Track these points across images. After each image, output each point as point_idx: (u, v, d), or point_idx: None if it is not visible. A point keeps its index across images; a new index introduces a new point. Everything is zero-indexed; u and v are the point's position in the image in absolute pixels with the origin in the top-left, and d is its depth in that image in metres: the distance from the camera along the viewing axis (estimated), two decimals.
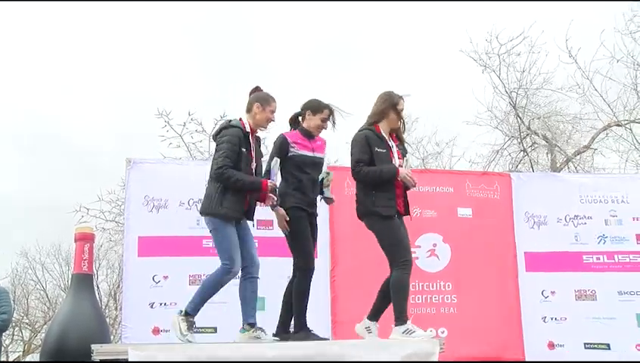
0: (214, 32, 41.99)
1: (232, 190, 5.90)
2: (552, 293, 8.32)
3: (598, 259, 8.50)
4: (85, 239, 8.45)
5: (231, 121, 6.16)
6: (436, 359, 5.33)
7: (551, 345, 8.15)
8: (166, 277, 7.81)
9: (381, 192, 5.98)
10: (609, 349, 8.12)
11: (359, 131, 6.21)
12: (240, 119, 6.13)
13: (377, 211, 5.94)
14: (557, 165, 16.40)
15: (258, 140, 6.40)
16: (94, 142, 39.26)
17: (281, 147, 6.12)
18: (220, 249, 5.97)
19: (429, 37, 36.52)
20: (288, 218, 6.03)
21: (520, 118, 16.85)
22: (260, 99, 6.17)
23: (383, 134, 6.14)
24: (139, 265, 7.85)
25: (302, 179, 6.17)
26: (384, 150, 6.07)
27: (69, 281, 9.24)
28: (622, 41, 15.87)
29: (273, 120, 6.24)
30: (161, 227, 7.92)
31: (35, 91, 42.17)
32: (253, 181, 6.02)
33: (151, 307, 7.73)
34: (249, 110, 6.17)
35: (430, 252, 8.22)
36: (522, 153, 17.14)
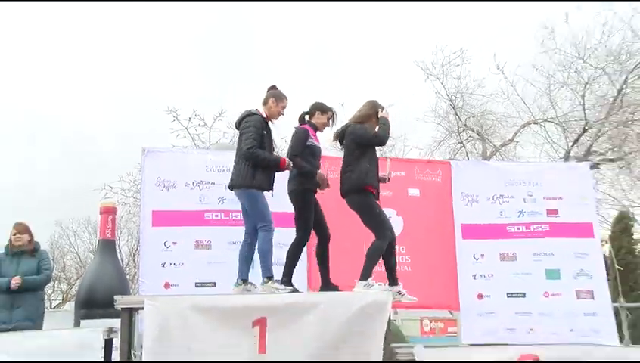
0: (215, 36, 41.20)
1: (259, 166, 6.03)
2: (482, 256, 8.51)
3: (518, 228, 8.67)
4: (108, 211, 8.59)
5: (252, 110, 6.29)
6: (389, 307, 5.49)
7: (480, 296, 8.34)
8: (174, 243, 7.82)
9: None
10: (524, 297, 8.37)
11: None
12: (257, 110, 6.29)
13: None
14: (487, 155, 16.54)
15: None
16: (113, 135, 38.83)
17: (305, 137, 6.28)
18: (260, 216, 6.13)
19: (385, 48, 36.51)
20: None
21: (458, 116, 17.10)
22: (275, 95, 6.38)
23: None
24: (153, 233, 7.87)
25: (315, 166, 6.37)
26: None
27: (97, 245, 9.27)
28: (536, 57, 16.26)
29: (282, 114, 6.43)
30: (170, 203, 7.94)
31: (68, 98, 41.32)
32: (276, 158, 6.20)
33: (163, 266, 7.74)
34: (265, 103, 6.37)
35: None
36: (459, 144, 17.37)
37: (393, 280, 6.18)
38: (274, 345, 5.20)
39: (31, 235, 7.44)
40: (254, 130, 6.10)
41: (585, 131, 16.33)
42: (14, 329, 6.64)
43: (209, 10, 41.92)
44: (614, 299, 9.26)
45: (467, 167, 9.63)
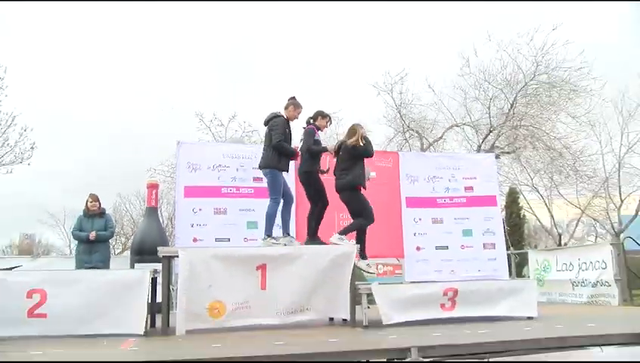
0: (227, 50, 40.46)
1: (283, 154, 6.03)
2: (420, 219, 8.50)
3: (444, 200, 8.65)
4: (153, 186, 8.47)
5: (277, 113, 6.22)
6: (354, 257, 5.45)
7: (418, 248, 8.35)
8: (200, 210, 7.74)
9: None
10: (447, 249, 8.44)
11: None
12: (280, 112, 6.23)
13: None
14: (424, 148, 16.69)
15: None
16: (155, 132, 38.51)
17: (313, 134, 6.30)
18: (274, 190, 6.09)
19: (345, 70, 36.40)
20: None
21: (403, 120, 17.24)
22: (295, 104, 6.29)
23: None
24: (184, 203, 7.77)
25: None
26: None
27: (145, 211, 9.14)
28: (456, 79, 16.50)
29: (297, 118, 6.34)
30: (197, 180, 7.84)
31: (128, 101, 40.67)
32: (293, 150, 6.22)
33: (192, 226, 7.66)
34: (286, 108, 6.26)
35: None
36: (404, 140, 17.43)
37: (363, 256, 6.08)
38: (271, 283, 5.15)
39: (100, 202, 7.41)
40: (280, 128, 6.07)
41: (490, 132, 16.65)
42: (93, 267, 6.83)
43: (224, 30, 40.85)
44: (507, 248, 9.39)
45: (410, 157, 9.63)
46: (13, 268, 6.43)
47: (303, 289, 5.22)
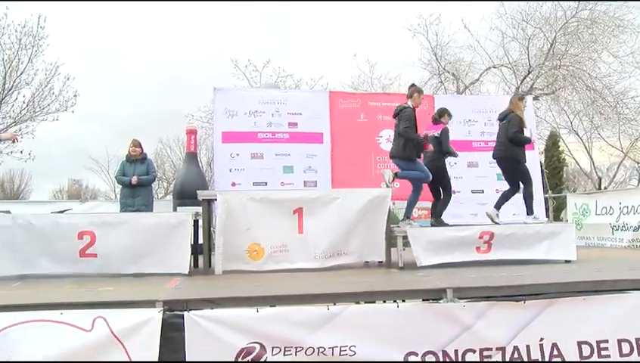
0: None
1: (412, 141, 6.03)
2: (455, 163, 8.05)
3: (480, 144, 8.45)
4: (192, 132, 8.51)
5: (406, 105, 6.16)
6: (389, 199, 5.41)
7: (453, 192, 7.92)
8: (237, 155, 7.80)
9: None
10: (483, 192, 8.28)
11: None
12: (407, 103, 6.18)
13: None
14: (460, 91, 16.27)
15: None
16: (196, 77, 38.63)
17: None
18: (415, 179, 6.18)
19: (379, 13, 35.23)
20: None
21: (439, 62, 16.73)
22: (418, 90, 6.30)
23: None
24: (222, 148, 7.83)
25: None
26: None
27: (184, 156, 9.28)
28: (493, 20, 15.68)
29: (420, 104, 6.35)
30: (234, 126, 7.85)
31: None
32: (421, 139, 6.17)
33: (230, 171, 7.76)
34: (411, 96, 6.21)
35: (387, 139, 8.11)
36: (440, 83, 17.01)
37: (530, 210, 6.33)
38: (308, 227, 5.16)
39: (142, 148, 7.54)
40: (408, 118, 6.03)
41: (528, 73, 16.07)
42: (137, 210, 7.01)
43: None
44: (545, 192, 9.16)
45: (446, 99, 9.32)
46: (65, 211, 6.68)
47: (339, 232, 5.21)
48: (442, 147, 6.38)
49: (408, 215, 6.17)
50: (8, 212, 5.98)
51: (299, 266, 5.08)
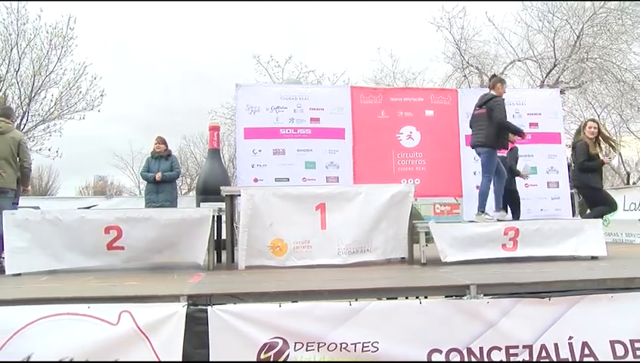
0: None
1: (508, 131, 6.18)
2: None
3: None
4: (214, 129, 8.54)
5: (493, 93, 6.23)
6: (412, 195, 5.34)
7: (478, 187, 7.95)
8: (260, 151, 7.81)
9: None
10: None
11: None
12: (492, 93, 6.24)
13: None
14: (484, 85, 15.99)
15: None
16: (216, 73, 38.86)
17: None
18: (488, 168, 6.19)
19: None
20: None
21: (462, 56, 16.50)
22: (501, 80, 6.37)
23: None
24: (245, 144, 7.85)
25: None
26: None
27: (207, 153, 9.36)
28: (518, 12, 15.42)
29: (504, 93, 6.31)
30: (256, 122, 7.85)
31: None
32: (517, 128, 6.32)
33: (252, 167, 7.77)
34: (493, 87, 6.27)
35: (408, 136, 8.06)
36: (463, 77, 16.78)
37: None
38: (331, 223, 5.15)
39: (166, 144, 7.66)
40: (502, 107, 6.09)
41: (554, 66, 15.67)
42: (160, 206, 7.11)
43: None
44: (571, 188, 8.98)
45: (470, 93, 9.12)
46: (91, 207, 6.80)
47: (362, 228, 5.18)
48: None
49: (482, 208, 6.22)
50: (37, 208, 6.11)
51: (322, 262, 5.05)
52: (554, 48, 15.52)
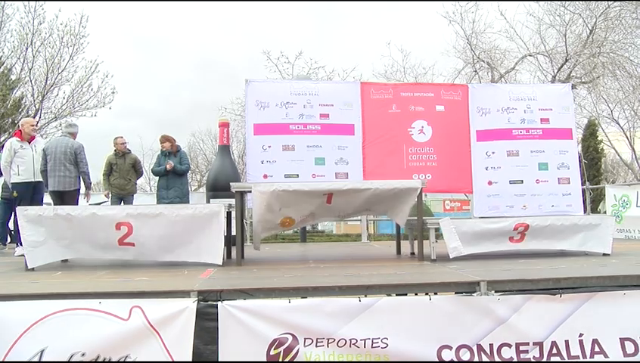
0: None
1: None
2: (493, 153, 8.04)
3: (520, 132, 8.11)
4: (224, 125, 8.58)
5: None
6: (418, 192, 5.25)
7: (490, 183, 7.97)
8: (269, 146, 7.76)
9: None
10: (522, 183, 7.99)
11: None
12: None
13: None
14: (495, 80, 15.90)
15: None
16: (225, 67, 38.90)
17: None
18: None
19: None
20: None
21: (473, 51, 16.37)
22: None
23: None
24: (254, 140, 7.81)
25: None
26: None
27: (217, 149, 9.40)
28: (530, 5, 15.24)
29: None
30: (266, 118, 7.81)
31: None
32: None
33: (262, 163, 7.74)
34: None
35: (420, 130, 8.01)
36: (474, 72, 16.66)
37: None
38: (337, 201, 5.24)
39: (171, 141, 7.82)
40: None
41: (566, 61, 15.52)
42: (170, 202, 7.18)
43: None
44: (582, 183, 8.88)
45: (481, 88, 9.06)
46: (101, 203, 6.85)
47: (366, 205, 5.42)
48: None
49: None
50: (50, 204, 6.17)
51: (323, 221, 5.56)
52: (565, 42, 15.37)
